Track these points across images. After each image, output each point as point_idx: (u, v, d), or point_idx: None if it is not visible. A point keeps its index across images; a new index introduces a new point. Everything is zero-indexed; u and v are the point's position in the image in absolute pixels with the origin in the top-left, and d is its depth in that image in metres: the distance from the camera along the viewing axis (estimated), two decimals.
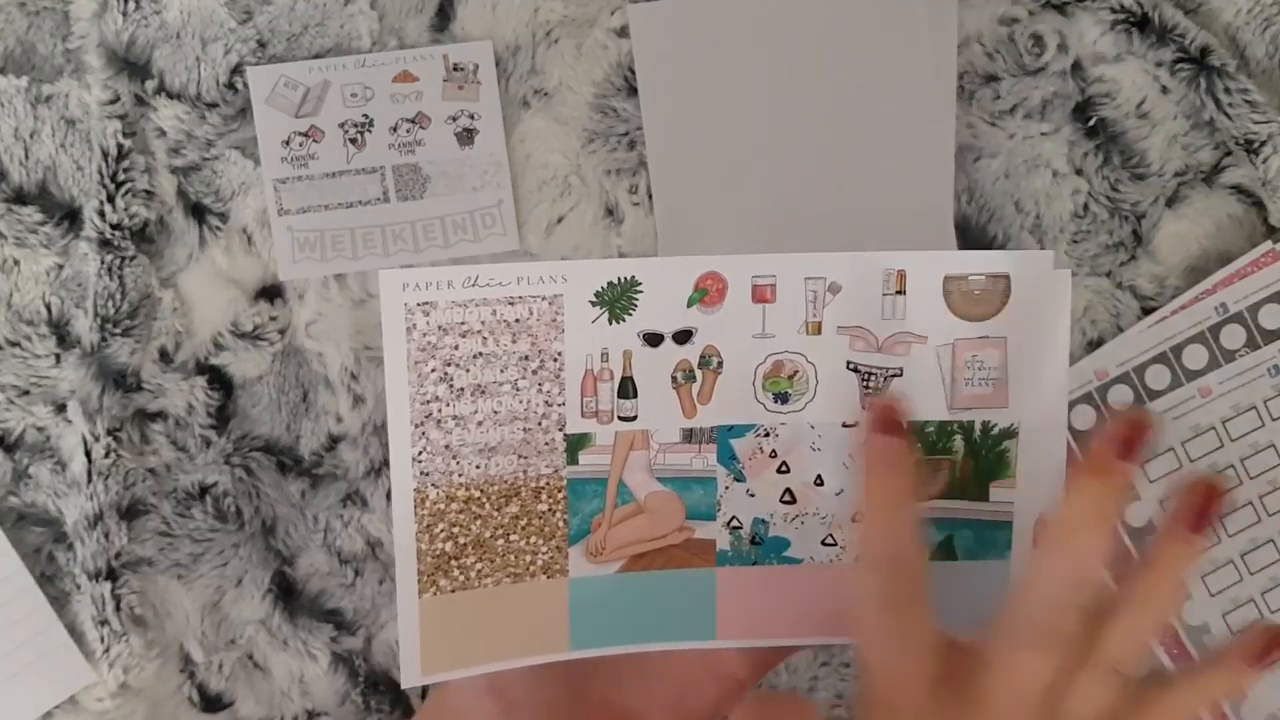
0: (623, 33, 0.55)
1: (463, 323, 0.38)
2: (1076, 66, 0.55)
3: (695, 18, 0.56)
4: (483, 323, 0.38)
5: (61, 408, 0.54)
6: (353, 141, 0.55)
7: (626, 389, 0.39)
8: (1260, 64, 0.55)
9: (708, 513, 0.41)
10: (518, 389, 0.39)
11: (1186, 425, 0.54)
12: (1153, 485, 0.53)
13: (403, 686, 0.38)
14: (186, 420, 0.54)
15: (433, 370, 0.38)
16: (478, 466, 0.39)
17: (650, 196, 0.55)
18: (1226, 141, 0.55)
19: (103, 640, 0.52)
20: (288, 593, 0.55)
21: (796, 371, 0.40)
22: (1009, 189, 0.55)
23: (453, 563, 0.39)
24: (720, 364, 0.39)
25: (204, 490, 0.54)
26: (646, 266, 0.38)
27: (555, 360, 0.39)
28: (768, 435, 0.40)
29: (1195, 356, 0.54)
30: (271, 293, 0.55)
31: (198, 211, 0.55)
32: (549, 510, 0.40)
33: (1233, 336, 0.53)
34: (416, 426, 0.38)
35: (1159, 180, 0.55)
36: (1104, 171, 0.55)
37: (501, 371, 0.39)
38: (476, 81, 0.55)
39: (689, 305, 0.39)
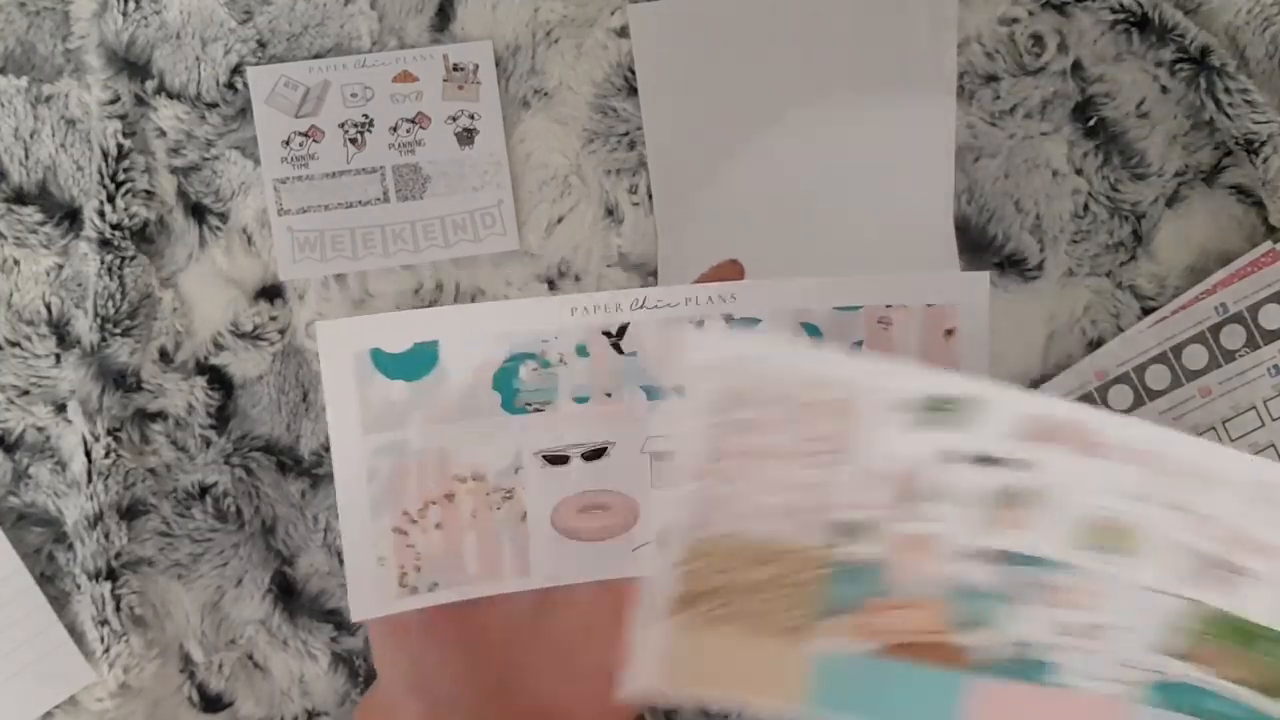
0: (623, 33, 0.55)
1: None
2: (1076, 66, 0.55)
3: (695, 18, 0.56)
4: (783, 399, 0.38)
5: (61, 408, 0.54)
6: (353, 141, 0.55)
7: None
8: (1260, 64, 0.55)
9: (977, 622, 0.38)
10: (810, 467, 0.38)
11: (1186, 425, 0.54)
12: None
13: (659, 697, 0.37)
14: (186, 420, 0.54)
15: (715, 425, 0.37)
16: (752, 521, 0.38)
17: (650, 196, 0.55)
18: (1226, 141, 0.55)
19: (103, 640, 0.52)
20: (288, 593, 0.55)
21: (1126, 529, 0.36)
22: (1009, 189, 0.55)
23: (702, 598, 0.39)
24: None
25: (204, 490, 0.54)
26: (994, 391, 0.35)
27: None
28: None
29: (1195, 356, 0.54)
30: (271, 293, 0.55)
31: (198, 211, 0.55)
32: (811, 580, 0.39)
33: (1233, 336, 0.53)
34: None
35: (1159, 180, 0.55)
36: (1104, 171, 0.55)
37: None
38: (476, 81, 0.55)
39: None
